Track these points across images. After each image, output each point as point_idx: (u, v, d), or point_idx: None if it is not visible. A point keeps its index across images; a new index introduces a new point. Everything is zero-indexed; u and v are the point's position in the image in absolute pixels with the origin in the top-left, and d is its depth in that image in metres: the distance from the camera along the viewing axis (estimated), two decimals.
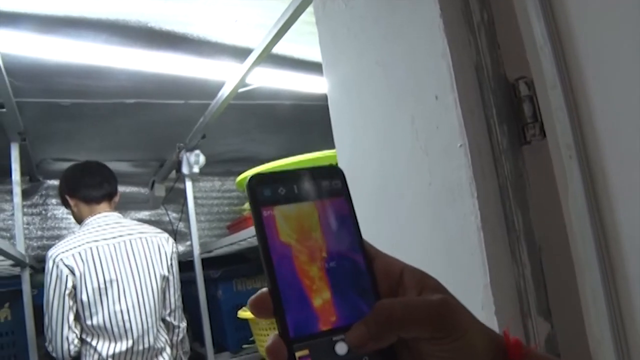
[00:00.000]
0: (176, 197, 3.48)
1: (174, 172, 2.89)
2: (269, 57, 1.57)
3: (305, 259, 0.35)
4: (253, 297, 0.35)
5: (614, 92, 0.68)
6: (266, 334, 1.99)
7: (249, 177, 0.37)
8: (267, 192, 0.37)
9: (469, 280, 0.75)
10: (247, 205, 2.67)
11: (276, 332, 0.35)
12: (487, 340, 0.36)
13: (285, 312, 0.34)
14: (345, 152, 1.04)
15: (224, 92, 1.87)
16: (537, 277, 0.74)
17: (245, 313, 2.08)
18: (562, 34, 0.73)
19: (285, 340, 0.33)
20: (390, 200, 0.89)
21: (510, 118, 0.77)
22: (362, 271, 0.37)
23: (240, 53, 1.79)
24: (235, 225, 2.74)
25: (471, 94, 0.76)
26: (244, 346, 2.45)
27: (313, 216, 0.37)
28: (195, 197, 2.85)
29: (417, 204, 0.83)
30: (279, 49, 1.62)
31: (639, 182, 0.65)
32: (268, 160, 2.96)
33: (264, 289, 0.35)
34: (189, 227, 2.70)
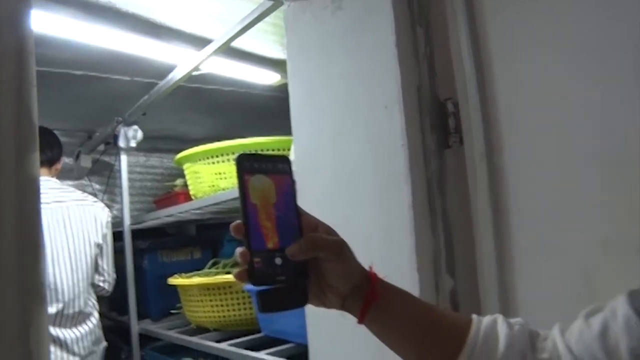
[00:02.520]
0: (100, 169, 3.50)
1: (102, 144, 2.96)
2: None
3: (262, 209, 0.59)
4: (234, 223, 0.58)
5: (517, 119, 0.95)
6: (195, 300, 2.15)
7: (238, 154, 0.60)
8: (247, 165, 0.60)
9: (400, 246, 1.00)
10: (178, 182, 2.79)
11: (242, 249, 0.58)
12: (359, 267, 0.63)
13: (250, 236, 0.57)
14: (302, 142, 1.26)
15: (176, 75, 2.01)
16: (448, 246, 1.01)
17: (175, 280, 2.23)
18: (484, 69, 1.00)
19: (249, 251, 0.57)
20: (342, 184, 1.13)
21: (439, 128, 1.03)
22: (294, 220, 0.61)
23: (197, 41, 1.94)
24: (164, 201, 2.85)
25: (412, 108, 1.01)
26: (172, 311, 2.60)
27: (271, 184, 0.60)
28: (116, 170, 2.92)
29: (364, 188, 1.07)
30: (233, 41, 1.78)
31: (527, 179, 0.93)
32: (195, 140, 3.10)
33: (239, 221, 0.58)
34: (120, 199, 2.78)
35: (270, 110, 2.67)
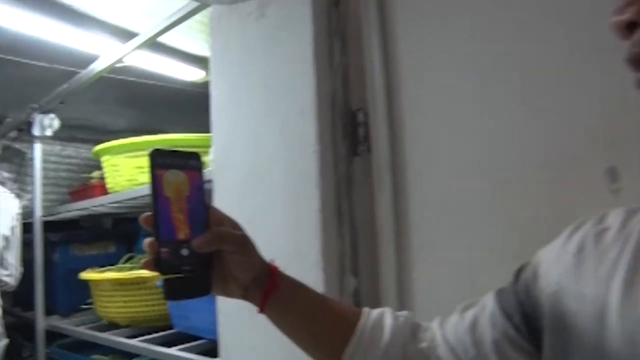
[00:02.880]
0: (10, 157, 3.34)
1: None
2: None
3: (176, 202, 0.62)
4: (143, 215, 0.61)
5: (420, 131, 1.03)
6: (107, 295, 2.11)
7: (152, 149, 0.63)
8: (160, 160, 0.62)
9: (307, 247, 1.05)
10: (95, 174, 2.72)
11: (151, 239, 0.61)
12: (261, 260, 0.68)
13: (158, 228, 0.60)
14: (220, 140, 1.29)
15: (98, 65, 1.97)
16: (353, 248, 1.07)
17: (87, 275, 2.18)
18: (393, 84, 1.07)
19: (157, 241, 0.60)
20: (255, 184, 1.17)
21: (349, 136, 1.10)
22: (203, 214, 0.64)
23: (122, 33, 1.91)
24: (80, 192, 2.77)
25: (326, 115, 1.07)
26: (83, 307, 2.52)
27: (184, 179, 0.63)
28: (29, 159, 2.81)
29: (276, 189, 1.12)
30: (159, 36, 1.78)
31: (426, 188, 1.01)
32: (115, 132, 3.01)
33: (150, 213, 0.61)
34: (32, 189, 2.67)
35: (193, 106, 2.65)
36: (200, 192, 0.65)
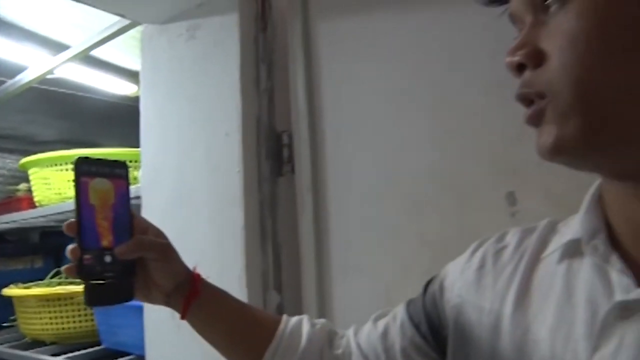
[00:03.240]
0: None
1: None
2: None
3: (99, 210, 0.63)
4: (67, 222, 0.62)
5: (340, 154, 1.09)
6: (32, 311, 2.05)
7: (78, 157, 0.63)
8: (86, 168, 0.63)
9: (232, 263, 1.09)
10: (22, 186, 2.64)
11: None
12: (183, 268, 0.70)
13: (82, 235, 0.62)
14: (148, 158, 1.30)
15: (26, 76, 1.93)
16: (276, 265, 1.12)
17: (10, 291, 2.11)
18: (316, 108, 1.13)
19: (80, 248, 0.61)
20: (182, 202, 1.19)
21: (274, 157, 1.15)
22: (127, 223, 0.66)
23: (51, 45, 1.89)
24: (5, 205, 2.68)
25: (251, 137, 1.11)
26: (4, 325, 2.43)
27: (110, 188, 0.65)
28: None
29: (202, 207, 1.15)
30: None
31: (345, 207, 1.07)
32: (45, 142, 2.93)
33: (74, 220, 0.62)
34: None
35: (126, 119, 2.63)
36: (125, 201, 0.67)
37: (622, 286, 0.45)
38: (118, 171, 0.67)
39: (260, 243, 1.10)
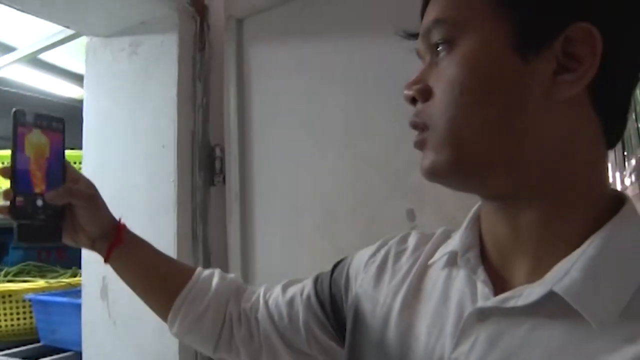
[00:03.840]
0: None
1: None
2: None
3: (34, 160, 0.68)
4: (1, 167, 0.67)
5: (265, 167, 1.20)
6: None
7: (16, 108, 0.67)
8: (23, 119, 0.68)
9: None
10: None
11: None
12: (109, 217, 0.77)
13: (16, 179, 0.67)
14: (90, 165, 1.37)
15: None
16: (206, 267, 1.21)
17: None
18: (246, 126, 1.23)
19: (13, 191, 0.66)
20: (120, 208, 1.26)
21: (207, 168, 1.25)
22: (60, 172, 0.71)
23: None
24: None
25: (185, 149, 1.21)
26: None
27: (45, 139, 0.70)
28: None
29: (139, 214, 1.23)
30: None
31: (268, 216, 1.18)
32: None
33: (8, 166, 0.67)
34: None
35: (71, 120, 2.66)
36: (59, 152, 0.72)
37: (483, 294, 0.52)
38: (55, 124, 0.72)
39: (192, 248, 1.20)
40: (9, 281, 2.13)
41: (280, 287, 0.79)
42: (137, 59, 1.31)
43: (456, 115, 0.49)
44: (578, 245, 0.47)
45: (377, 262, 0.68)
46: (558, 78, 0.46)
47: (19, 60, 1.78)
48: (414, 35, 0.58)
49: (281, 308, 0.75)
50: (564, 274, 0.46)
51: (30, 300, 1.94)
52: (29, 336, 2.02)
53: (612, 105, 0.49)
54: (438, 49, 0.51)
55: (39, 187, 0.69)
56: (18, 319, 2.02)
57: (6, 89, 2.40)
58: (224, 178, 1.24)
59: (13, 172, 0.67)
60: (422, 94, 0.52)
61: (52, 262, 2.45)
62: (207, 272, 0.82)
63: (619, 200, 0.50)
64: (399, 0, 1.03)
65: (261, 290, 0.80)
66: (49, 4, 1.23)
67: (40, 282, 2.10)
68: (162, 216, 1.19)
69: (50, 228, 0.72)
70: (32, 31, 1.80)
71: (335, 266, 0.76)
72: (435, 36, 0.51)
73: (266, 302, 0.77)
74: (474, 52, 0.48)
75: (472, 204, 0.93)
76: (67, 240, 0.75)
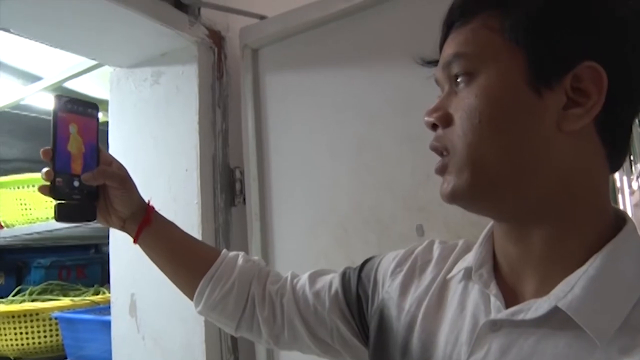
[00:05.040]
0: None
1: None
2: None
3: (71, 143, 0.73)
4: (43, 148, 0.72)
5: (283, 189, 1.27)
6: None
7: (57, 94, 0.73)
8: (63, 105, 0.73)
9: None
10: None
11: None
12: (139, 198, 0.82)
13: (55, 160, 0.72)
14: None
15: None
16: None
17: None
18: (264, 149, 1.31)
19: (53, 171, 0.72)
20: None
21: (227, 190, 1.32)
22: (95, 154, 0.76)
23: (19, 74, 2.01)
24: None
25: (207, 172, 1.29)
26: None
27: (82, 123, 0.74)
28: None
29: None
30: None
31: (286, 235, 1.25)
32: (5, 161, 3.01)
33: (49, 147, 0.72)
34: None
35: None
36: (94, 136, 0.76)
37: (495, 307, 0.57)
38: (90, 110, 0.76)
39: None
40: (33, 300, 2.20)
41: (307, 277, 0.83)
42: (159, 88, 1.39)
43: (475, 141, 0.53)
44: (582, 263, 0.51)
45: (404, 272, 0.72)
46: (568, 112, 0.51)
47: (46, 89, 1.87)
48: (430, 63, 0.64)
49: (308, 297, 0.79)
50: (568, 291, 0.50)
51: (57, 318, 2.02)
52: (55, 353, 2.09)
53: (616, 135, 0.54)
54: (457, 80, 0.56)
55: (76, 168, 0.74)
56: (45, 336, 2.10)
57: (32, 115, 2.50)
58: (244, 199, 1.32)
59: (53, 154, 0.72)
60: (443, 120, 0.56)
61: (72, 280, 2.53)
62: (232, 253, 0.86)
63: (621, 220, 0.55)
64: (403, 32, 1.11)
65: (288, 276, 0.84)
66: (75, 38, 1.31)
67: (66, 300, 2.17)
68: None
69: (86, 207, 0.76)
70: (57, 61, 1.90)
71: (363, 265, 0.80)
72: (456, 68, 0.56)
73: (293, 289, 0.81)
74: (492, 85, 0.53)
75: (476, 220, 1.00)
76: (100, 221, 0.80)
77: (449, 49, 0.57)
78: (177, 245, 0.85)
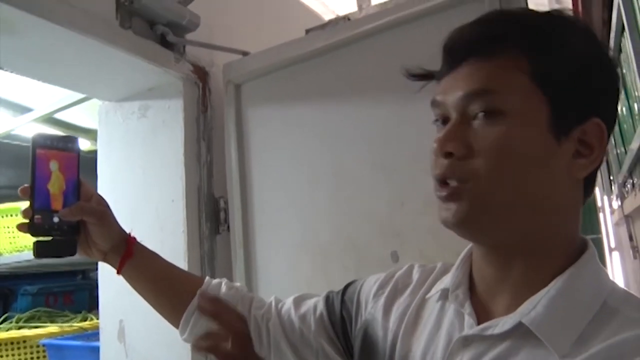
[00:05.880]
0: None
1: None
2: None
3: (54, 178, 0.74)
4: (22, 186, 0.73)
5: (266, 217, 1.33)
6: None
7: (35, 133, 0.73)
8: (41, 141, 0.73)
9: None
10: None
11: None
12: (119, 231, 0.83)
13: (34, 198, 0.72)
14: None
15: None
16: None
17: None
18: (247, 180, 1.37)
19: (32, 209, 0.73)
20: None
21: (212, 218, 1.38)
22: (75, 190, 0.76)
23: (9, 105, 2.07)
24: None
25: (193, 202, 1.35)
26: None
27: (62, 158, 0.74)
28: None
29: None
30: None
31: (269, 261, 1.31)
32: None
33: (27, 185, 0.73)
34: None
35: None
36: (74, 171, 0.77)
37: (468, 325, 0.62)
38: (70, 145, 0.77)
39: None
40: (20, 327, 2.21)
41: (292, 301, 0.85)
42: (146, 121, 1.45)
43: (495, 177, 0.56)
44: (547, 284, 0.57)
45: (386, 294, 0.76)
46: (576, 161, 0.57)
47: (36, 120, 1.93)
48: (415, 76, 0.67)
49: (293, 321, 0.82)
50: (531, 308, 0.56)
51: (45, 345, 2.03)
52: None
53: (593, 180, 0.62)
54: (476, 113, 0.58)
55: (55, 204, 0.74)
56: None
57: (17, 143, 2.54)
58: (228, 227, 1.37)
59: (32, 192, 0.73)
60: (462, 151, 0.58)
61: (59, 306, 2.54)
62: (215, 281, 0.88)
63: (583, 245, 0.61)
64: (378, 68, 1.19)
65: (272, 301, 0.87)
66: (66, 75, 1.37)
67: (53, 327, 2.19)
68: (174, 263, 1.32)
69: (66, 243, 0.77)
70: (47, 93, 1.95)
71: (345, 288, 0.83)
72: (480, 103, 0.57)
73: (279, 313, 0.84)
74: (519, 127, 0.56)
75: (448, 245, 1.06)
76: (81, 254, 0.81)
77: (471, 81, 0.58)
78: (160, 276, 0.87)
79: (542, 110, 0.56)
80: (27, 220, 0.74)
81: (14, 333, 2.11)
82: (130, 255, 0.83)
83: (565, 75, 0.57)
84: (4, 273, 2.95)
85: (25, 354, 2.10)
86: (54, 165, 0.74)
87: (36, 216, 0.73)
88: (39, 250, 0.75)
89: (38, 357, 2.10)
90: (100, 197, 0.83)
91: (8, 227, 2.21)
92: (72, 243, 0.78)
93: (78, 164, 0.77)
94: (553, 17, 0.61)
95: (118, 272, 0.84)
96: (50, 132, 0.81)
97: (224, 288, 0.87)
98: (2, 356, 2.10)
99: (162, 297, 0.87)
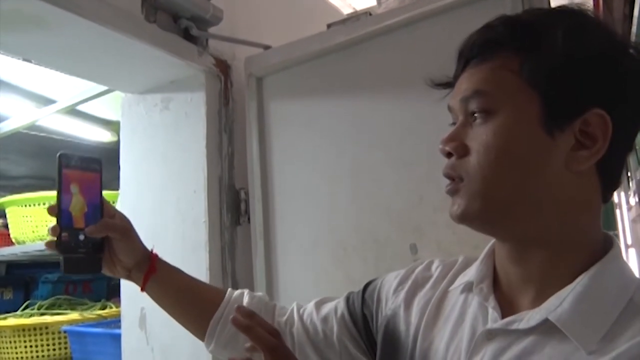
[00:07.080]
0: None
1: None
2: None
3: (77, 196, 0.77)
4: (49, 205, 0.76)
5: (285, 209, 1.35)
6: (8, 341, 2.19)
7: (60, 152, 0.76)
8: (66, 161, 0.77)
9: None
10: None
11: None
12: (142, 248, 0.85)
13: (60, 216, 0.75)
14: (127, 206, 1.53)
15: (10, 124, 2.14)
16: None
17: None
18: (267, 171, 1.39)
19: (59, 227, 0.75)
20: (156, 245, 1.42)
21: (233, 210, 1.40)
22: (98, 208, 0.79)
23: (32, 97, 2.10)
24: None
25: (214, 193, 1.37)
26: None
27: (86, 178, 0.78)
28: None
29: (173, 251, 1.39)
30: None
31: (289, 252, 1.32)
32: (14, 178, 3.09)
33: (54, 204, 0.75)
34: None
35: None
36: (98, 189, 0.80)
37: (492, 318, 0.63)
38: (93, 165, 0.80)
39: (222, 281, 1.35)
40: (42, 314, 2.26)
41: (313, 305, 0.87)
42: (168, 114, 1.48)
43: (489, 174, 0.59)
44: (572, 280, 0.58)
45: (406, 289, 0.77)
46: (576, 153, 0.57)
47: (59, 112, 1.95)
48: (439, 85, 0.70)
49: (316, 324, 0.84)
50: (558, 305, 0.57)
51: (66, 331, 2.08)
52: None
53: (613, 173, 0.61)
54: (474, 114, 0.61)
55: (81, 222, 0.77)
56: (54, 349, 2.15)
57: (42, 134, 2.59)
58: (248, 218, 1.40)
59: (59, 210, 0.76)
60: (459, 151, 0.62)
61: (79, 295, 2.59)
62: (237, 292, 0.90)
63: (609, 243, 0.61)
64: (400, 64, 1.20)
65: (294, 307, 0.89)
66: (90, 68, 1.40)
67: (74, 314, 2.24)
68: (195, 254, 1.35)
69: (91, 260, 0.80)
70: (70, 84, 1.98)
71: (365, 287, 0.85)
72: (474, 104, 0.61)
73: (301, 318, 0.86)
74: (508, 125, 0.58)
75: (466, 239, 1.07)
76: (105, 271, 0.83)
77: (468, 84, 0.62)
78: (183, 289, 0.88)
79: (532, 106, 0.58)
80: (55, 238, 0.76)
81: (36, 319, 2.16)
82: (154, 271, 0.85)
83: (554, 69, 0.57)
84: (26, 261, 3.02)
85: (47, 340, 2.14)
86: (75, 189, 0.77)
87: (63, 234, 0.76)
88: (67, 266, 0.77)
89: (60, 344, 2.15)
90: (123, 215, 0.86)
91: (29, 216, 2.26)
92: (97, 260, 0.81)
93: (101, 183, 0.81)
94: (551, 13, 0.63)
95: (142, 289, 0.86)
96: (75, 150, 0.83)
97: (246, 298, 0.89)
98: (24, 342, 2.15)
99: (186, 311, 0.89)
